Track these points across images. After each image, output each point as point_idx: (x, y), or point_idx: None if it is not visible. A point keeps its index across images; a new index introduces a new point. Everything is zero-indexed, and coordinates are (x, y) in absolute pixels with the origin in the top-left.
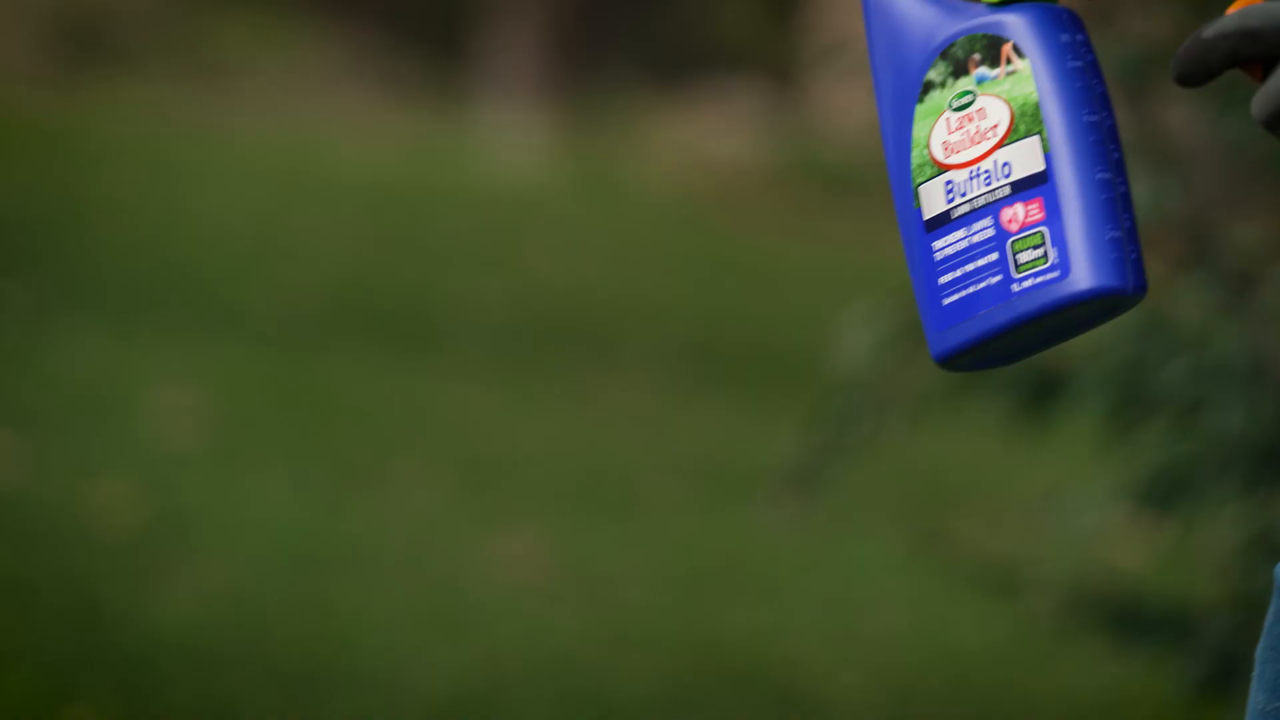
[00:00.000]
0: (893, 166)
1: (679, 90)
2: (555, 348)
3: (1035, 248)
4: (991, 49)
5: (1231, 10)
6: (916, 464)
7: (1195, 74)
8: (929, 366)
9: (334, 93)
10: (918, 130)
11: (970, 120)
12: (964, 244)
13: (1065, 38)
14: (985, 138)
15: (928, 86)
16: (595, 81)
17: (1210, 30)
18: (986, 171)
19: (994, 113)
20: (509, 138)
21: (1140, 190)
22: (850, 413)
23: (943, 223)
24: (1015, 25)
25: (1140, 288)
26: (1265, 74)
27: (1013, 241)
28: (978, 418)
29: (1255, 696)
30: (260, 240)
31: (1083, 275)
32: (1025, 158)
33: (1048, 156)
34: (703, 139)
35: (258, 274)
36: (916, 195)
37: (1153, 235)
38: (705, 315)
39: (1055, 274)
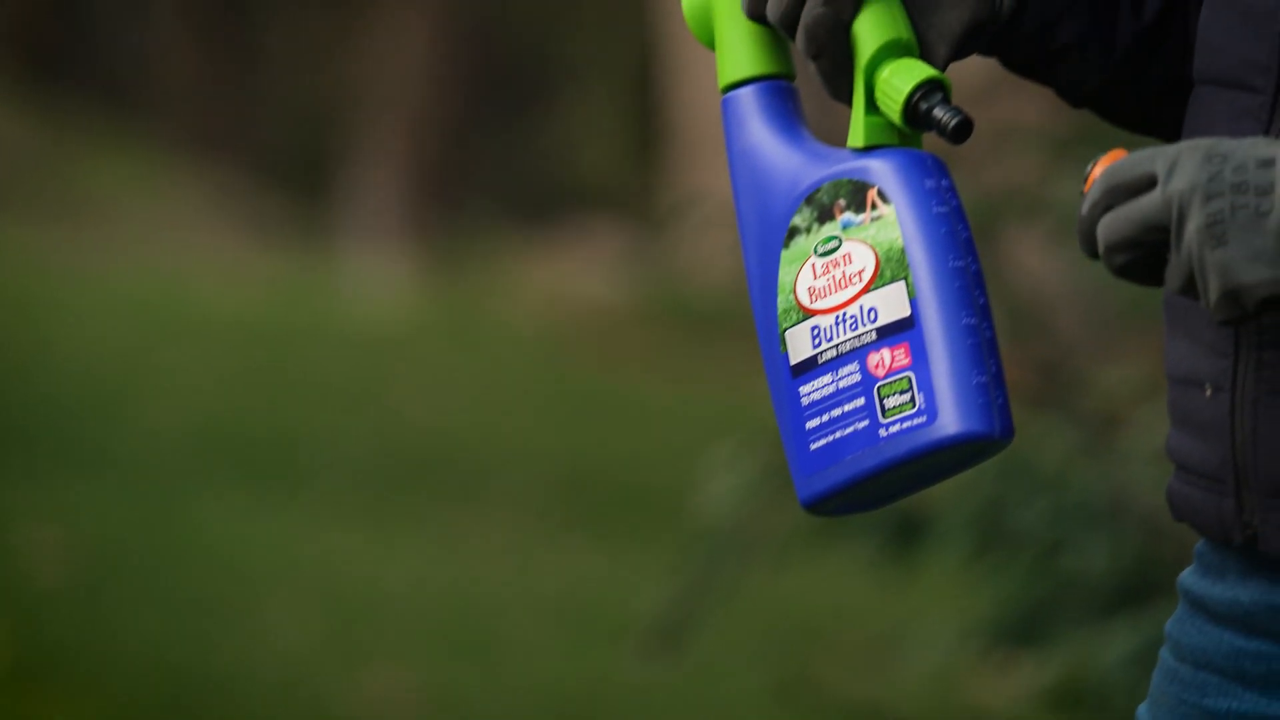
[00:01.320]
0: (759, 312)
1: (543, 230)
2: (421, 487)
3: (902, 393)
4: (857, 194)
5: (1095, 173)
6: (783, 606)
7: (1093, 247)
8: (794, 508)
9: (200, 233)
10: (783, 275)
11: (836, 266)
12: (831, 389)
13: (930, 183)
14: (851, 283)
15: (793, 232)
16: (459, 221)
17: (1085, 206)
18: (853, 317)
19: (860, 258)
20: (374, 277)
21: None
22: (716, 555)
23: (809, 368)
24: (880, 171)
25: (1007, 432)
26: None
27: (879, 386)
28: (843, 559)
29: None
30: (128, 379)
31: (950, 420)
32: (891, 303)
33: (914, 302)
34: (567, 278)
35: (125, 412)
36: (783, 340)
37: (1013, 376)
38: (571, 455)
39: (922, 419)
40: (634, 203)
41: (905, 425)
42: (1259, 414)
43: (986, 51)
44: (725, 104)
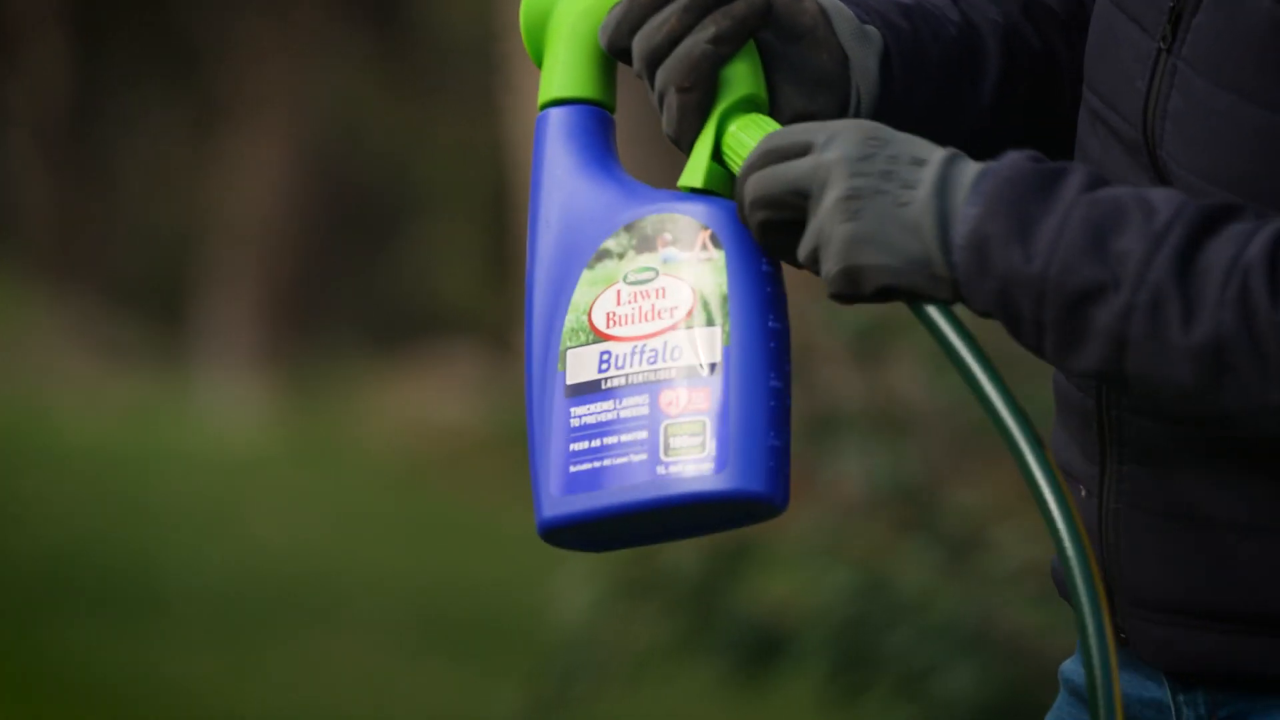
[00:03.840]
0: (536, 325)
1: (399, 354)
2: (278, 611)
3: (692, 435)
4: (686, 232)
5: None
6: None
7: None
8: (648, 625)
9: (56, 359)
10: (579, 295)
11: (646, 297)
12: (610, 415)
13: None
14: (660, 317)
15: (602, 254)
16: (315, 346)
17: (743, 166)
18: (654, 350)
19: (675, 294)
20: (230, 402)
21: (878, 459)
22: (571, 672)
23: (589, 390)
24: (717, 216)
25: (785, 501)
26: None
27: (668, 424)
28: (699, 676)
29: None
30: None
31: (736, 475)
32: (701, 346)
33: (726, 350)
34: (423, 403)
35: None
36: (562, 358)
37: (879, 499)
38: (428, 579)
39: (708, 466)
40: (490, 327)
41: (688, 469)
42: (1120, 526)
43: None
44: (544, 118)
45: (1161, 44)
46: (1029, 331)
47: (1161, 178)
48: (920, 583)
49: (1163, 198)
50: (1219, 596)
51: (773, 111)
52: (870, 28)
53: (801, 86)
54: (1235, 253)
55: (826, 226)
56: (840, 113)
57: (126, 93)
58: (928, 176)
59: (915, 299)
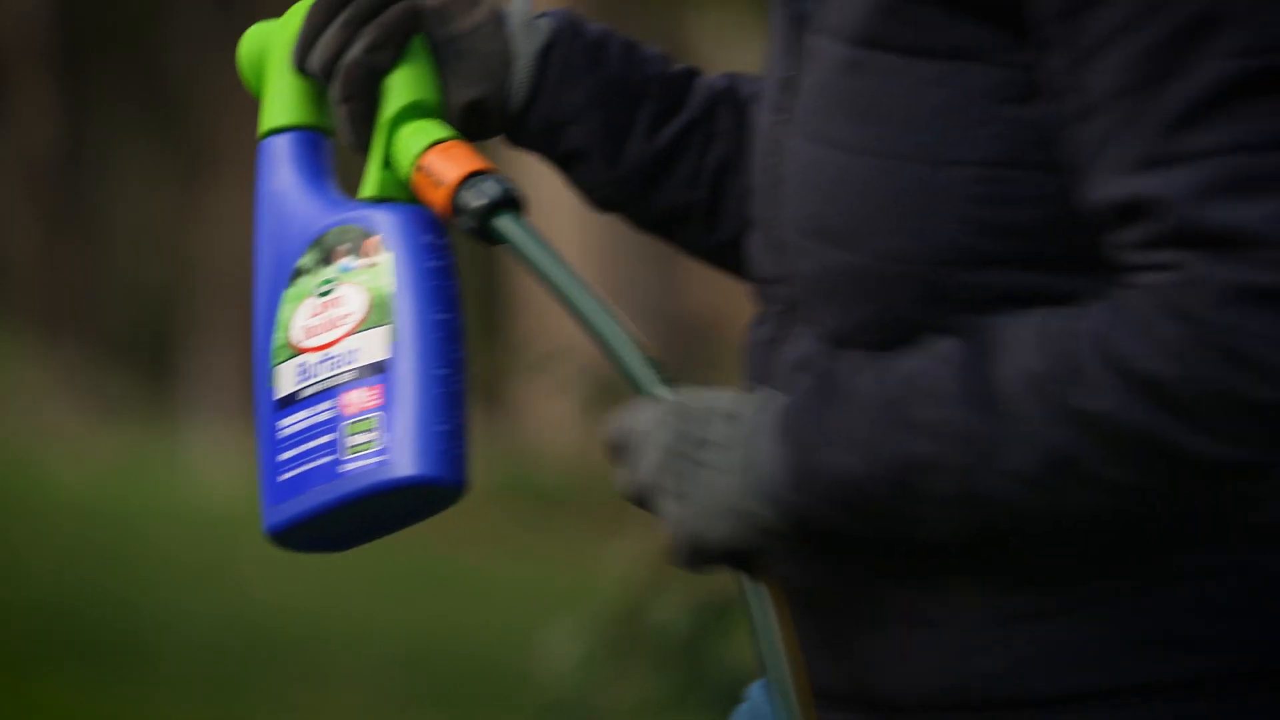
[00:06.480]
0: (258, 349)
1: None
2: (264, 664)
3: (368, 432)
4: (359, 241)
5: (425, 159)
6: None
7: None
8: (638, 679)
9: (45, 411)
10: (283, 313)
11: (329, 307)
12: (305, 424)
13: (427, 239)
14: (340, 324)
15: (298, 272)
16: None
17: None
18: (336, 356)
19: (350, 301)
20: (217, 454)
21: None
22: None
23: (291, 403)
24: (382, 221)
25: (460, 481)
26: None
27: (347, 424)
28: None
29: None
30: None
31: (405, 462)
32: (373, 346)
33: (394, 346)
34: None
35: None
36: (273, 375)
37: None
38: (414, 631)
39: (381, 458)
40: (477, 379)
41: (363, 464)
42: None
43: (512, 141)
44: (262, 148)
45: (780, 116)
46: (879, 525)
47: (780, 250)
48: None
49: (937, 352)
50: (876, 685)
51: (444, 103)
52: (542, 21)
53: (466, 77)
54: (1031, 368)
55: (663, 511)
56: (499, 94)
57: (114, 145)
58: (739, 433)
59: (750, 562)
